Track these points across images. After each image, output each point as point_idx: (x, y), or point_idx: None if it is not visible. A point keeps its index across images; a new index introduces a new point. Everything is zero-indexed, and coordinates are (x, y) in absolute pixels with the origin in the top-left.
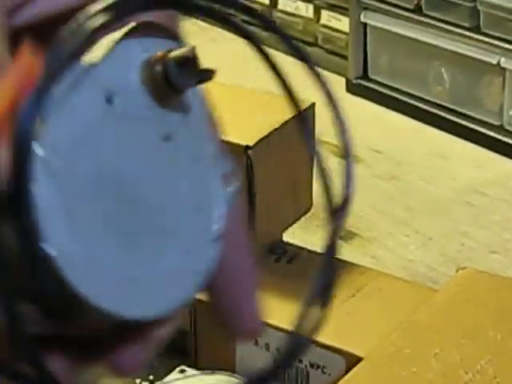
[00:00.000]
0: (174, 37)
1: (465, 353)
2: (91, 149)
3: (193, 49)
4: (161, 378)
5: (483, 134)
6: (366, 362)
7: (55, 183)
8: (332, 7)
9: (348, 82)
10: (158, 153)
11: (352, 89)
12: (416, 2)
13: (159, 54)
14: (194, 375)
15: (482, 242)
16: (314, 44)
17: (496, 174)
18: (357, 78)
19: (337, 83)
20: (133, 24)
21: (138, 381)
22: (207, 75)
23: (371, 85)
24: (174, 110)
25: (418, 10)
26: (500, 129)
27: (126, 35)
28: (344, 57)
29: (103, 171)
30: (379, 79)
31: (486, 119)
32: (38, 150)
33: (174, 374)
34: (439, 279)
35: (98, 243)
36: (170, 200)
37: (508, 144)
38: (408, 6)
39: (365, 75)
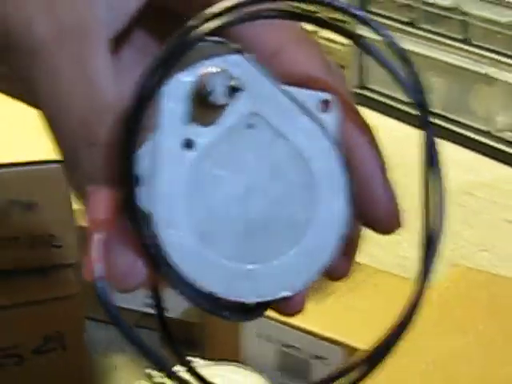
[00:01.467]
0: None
1: (456, 347)
2: (201, 195)
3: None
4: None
5: (473, 139)
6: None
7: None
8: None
9: None
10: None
11: None
12: (410, 15)
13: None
14: (200, 366)
15: (473, 241)
16: None
17: (486, 177)
18: (355, 87)
19: None
20: None
21: (137, 382)
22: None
23: (368, 93)
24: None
25: (411, 23)
26: (489, 134)
27: None
28: (342, 67)
29: (217, 203)
30: (376, 88)
31: (476, 125)
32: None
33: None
34: (432, 276)
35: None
36: (287, 196)
37: (497, 149)
38: (403, 19)
39: (362, 84)
